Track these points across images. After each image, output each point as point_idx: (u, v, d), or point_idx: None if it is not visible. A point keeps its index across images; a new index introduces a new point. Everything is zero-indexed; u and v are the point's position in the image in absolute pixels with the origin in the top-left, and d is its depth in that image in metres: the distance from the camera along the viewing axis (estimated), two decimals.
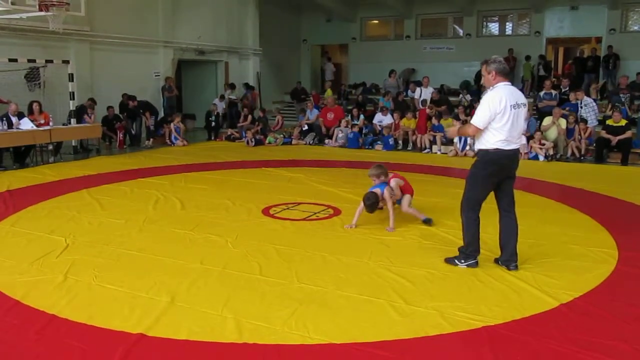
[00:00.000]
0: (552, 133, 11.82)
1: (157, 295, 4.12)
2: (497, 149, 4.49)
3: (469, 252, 4.72)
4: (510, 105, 4.44)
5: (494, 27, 20.24)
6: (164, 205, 7.16)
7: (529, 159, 11.51)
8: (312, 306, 3.94)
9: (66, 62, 11.89)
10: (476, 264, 4.71)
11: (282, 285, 4.34)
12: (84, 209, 6.90)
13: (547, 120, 12.04)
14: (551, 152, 11.52)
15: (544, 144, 11.58)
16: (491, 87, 4.57)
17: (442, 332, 3.56)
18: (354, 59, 21.87)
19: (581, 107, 12.31)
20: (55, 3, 10.16)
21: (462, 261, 4.74)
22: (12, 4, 9.73)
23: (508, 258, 4.70)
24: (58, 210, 6.82)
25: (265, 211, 6.79)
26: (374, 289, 4.26)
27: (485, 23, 20.10)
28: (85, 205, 7.13)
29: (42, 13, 10.15)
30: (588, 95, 13.37)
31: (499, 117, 4.42)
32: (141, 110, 13.80)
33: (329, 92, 18.11)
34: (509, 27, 19.85)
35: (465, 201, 4.72)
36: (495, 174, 4.58)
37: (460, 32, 20.16)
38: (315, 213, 6.68)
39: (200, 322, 3.68)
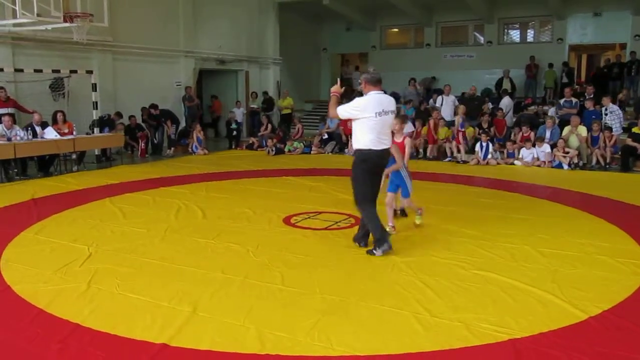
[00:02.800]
0: (574, 141, 11.65)
1: (179, 304, 4.11)
2: (369, 149, 5.15)
3: (378, 238, 5.25)
4: (376, 112, 5.10)
5: (515, 35, 20.07)
6: (185, 214, 7.18)
7: (552, 167, 11.36)
8: (335, 317, 3.89)
9: (89, 72, 12.07)
10: (389, 246, 5.23)
11: (304, 296, 4.30)
12: (106, 217, 6.96)
13: (566, 130, 11.88)
14: (575, 160, 11.35)
15: (567, 152, 11.41)
16: (365, 94, 5.26)
17: (467, 344, 3.49)
18: (374, 67, 21.82)
19: (605, 114, 12.11)
20: (79, 14, 10.33)
21: (377, 249, 5.23)
22: (38, 15, 9.90)
23: (359, 238, 5.53)
24: (81, 219, 6.88)
25: (287, 220, 6.77)
26: (397, 300, 4.20)
27: (506, 30, 19.94)
28: (107, 214, 7.19)
29: (67, 24, 10.32)
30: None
31: (365, 121, 5.11)
32: (163, 119, 13.94)
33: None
34: (530, 34, 19.67)
35: (359, 198, 5.32)
36: (370, 170, 5.24)
37: (481, 39, 20.03)
38: (337, 222, 6.65)
39: (222, 332, 3.66)
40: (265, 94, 17.90)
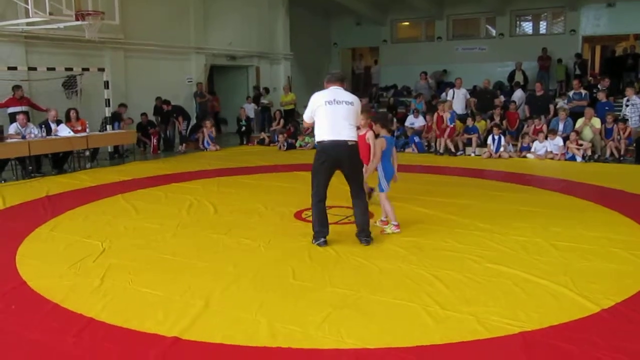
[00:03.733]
0: (588, 133, 11.54)
1: (191, 298, 4.15)
2: (324, 140, 5.24)
3: (316, 231, 5.42)
4: (326, 101, 5.23)
5: (527, 27, 19.87)
6: (197, 209, 7.23)
7: (566, 159, 11.27)
8: (346, 311, 3.91)
9: (102, 69, 12.16)
10: (324, 243, 5.36)
11: (316, 290, 4.32)
12: (119, 213, 7.03)
13: (579, 122, 11.77)
14: (589, 152, 11.25)
15: (581, 145, 11.31)
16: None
17: (478, 337, 3.49)
18: (385, 61, 21.77)
19: (627, 106, 11.95)
20: (91, 12, 10.39)
21: (314, 241, 5.40)
22: (50, 14, 9.98)
23: (359, 232, 5.47)
24: (95, 215, 6.95)
25: (298, 215, 6.79)
26: (408, 293, 4.20)
27: (518, 22, 19.76)
28: (120, 209, 7.25)
29: (79, 22, 10.39)
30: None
31: (318, 111, 5.27)
32: (174, 115, 13.99)
33: None
34: (543, 26, 19.47)
35: (313, 187, 5.43)
36: (325, 162, 5.27)
37: (493, 32, 19.87)
38: (347, 216, 6.64)
39: (234, 325, 3.69)
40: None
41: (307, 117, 5.46)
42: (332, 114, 5.22)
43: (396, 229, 5.87)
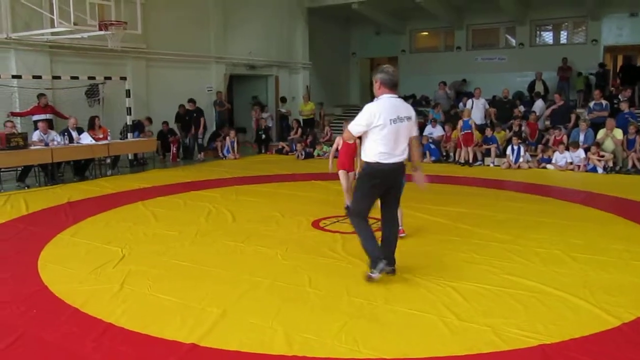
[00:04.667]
0: (609, 145, 11.41)
1: (208, 306, 4.18)
2: (377, 162, 4.50)
3: (372, 258, 4.64)
4: (390, 120, 4.44)
5: (547, 36, 19.72)
6: (215, 217, 7.29)
7: (587, 171, 11.15)
8: (362, 320, 3.91)
9: (123, 78, 12.36)
10: (387, 265, 4.63)
11: (332, 299, 4.33)
12: (139, 220, 7.11)
13: (601, 133, 11.63)
14: (610, 164, 11.11)
15: (603, 156, 11.18)
16: (376, 98, 4.59)
17: (495, 349, 3.46)
18: (404, 71, 21.67)
19: None
20: (113, 22, 10.58)
21: (372, 271, 4.62)
22: (74, 24, 10.18)
23: (388, 264, 4.66)
24: (115, 222, 7.05)
25: (315, 224, 6.81)
26: (424, 303, 4.19)
27: (538, 32, 19.62)
28: (140, 216, 7.34)
29: (102, 32, 10.59)
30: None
31: (377, 130, 4.43)
32: (195, 115, 14.08)
33: None
34: (563, 35, 19.30)
35: (353, 208, 4.85)
36: (376, 186, 4.60)
37: (513, 41, 19.76)
38: None
39: (250, 333, 3.71)
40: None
41: (357, 130, 4.56)
42: (394, 135, 4.45)
43: (401, 233, 5.85)
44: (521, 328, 3.72)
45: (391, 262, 4.71)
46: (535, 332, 3.67)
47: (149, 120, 13.12)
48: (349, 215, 4.94)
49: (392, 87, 4.54)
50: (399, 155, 4.53)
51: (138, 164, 12.56)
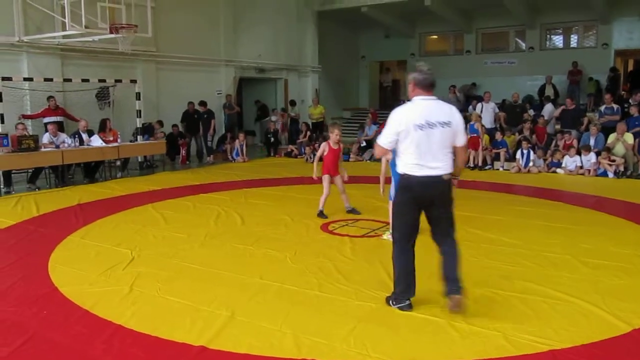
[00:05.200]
0: (620, 149, 11.33)
1: (217, 308, 4.19)
2: (406, 174, 3.96)
3: (397, 292, 4.13)
4: (416, 125, 3.83)
5: (558, 40, 19.65)
6: (225, 220, 7.30)
7: (597, 175, 11.08)
8: (371, 324, 3.90)
9: (134, 81, 12.43)
10: (409, 307, 4.08)
11: (341, 302, 4.32)
12: (148, 222, 7.14)
13: (612, 137, 11.56)
14: (621, 168, 11.04)
15: (614, 160, 11.10)
16: (409, 99, 4.04)
17: (505, 354, 3.44)
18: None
19: None
20: (124, 26, 10.67)
21: (393, 302, 4.14)
22: (86, 27, 10.27)
23: (451, 287, 3.99)
24: (124, 224, 7.08)
25: (324, 227, 6.81)
26: (434, 308, 4.16)
27: (548, 36, 19.55)
28: (150, 219, 7.37)
29: (112, 35, 10.67)
30: None
31: (402, 137, 3.89)
32: (206, 116, 14.16)
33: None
34: (574, 39, 19.24)
35: (395, 232, 4.20)
36: (411, 201, 3.99)
37: (523, 45, 19.70)
38: (374, 230, 6.65)
39: (259, 336, 3.71)
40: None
41: (386, 143, 3.99)
42: (425, 142, 3.85)
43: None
44: (531, 333, 3.70)
45: (453, 285, 3.97)
46: (545, 338, 3.64)
47: (160, 123, 13.19)
48: (392, 237, 4.30)
49: (428, 87, 3.96)
50: (434, 167, 3.88)
51: (148, 166, 12.62)
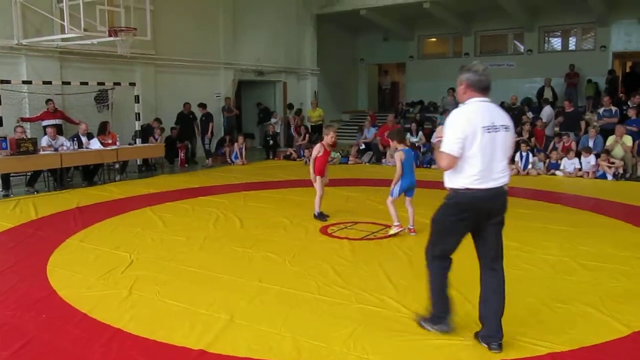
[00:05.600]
0: (619, 151, 11.34)
1: (216, 312, 4.18)
2: (467, 188, 3.40)
3: (436, 314, 3.75)
4: (483, 127, 3.35)
5: (556, 43, 19.67)
6: (223, 223, 7.30)
7: (596, 177, 11.09)
8: (371, 327, 3.89)
9: (132, 84, 12.43)
10: (448, 329, 3.71)
11: (340, 305, 4.32)
12: (147, 226, 7.13)
13: (610, 139, 11.57)
14: (620, 171, 11.04)
15: (613, 163, 11.11)
16: (462, 104, 3.55)
17: (505, 357, 3.44)
18: (411, 77, 21.76)
19: None
20: (123, 29, 10.65)
21: (431, 324, 3.77)
22: (84, 30, 10.26)
23: (489, 334, 3.50)
24: (123, 227, 7.07)
25: (323, 230, 6.80)
26: None
27: (547, 38, 19.58)
28: (148, 222, 7.36)
29: (111, 38, 10.66)
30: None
31: (467, 144, 3.34)
32: (204, 119, 14.18)
33: None
34: (572, 42, 19.26)
35: (429, 249, 3.73)
36: (466, 220, 3.49)
37: (521, 48, 19.72)
38: (373, 232, 6.64)
39: (259, 339, 3.70)
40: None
41: (455, 149, 3.34)
42: (490, 148, 3.37)
43: (397, 228, 6.39)
44: (531, 336, 3.70)
45: (492, 332, 3.50)
46: (544, 340, 3.64)
47: (158, 121, 13.14)
48: (426, 255, 3.77)
49: (483, 90, 3.49)
50: (498, 177, 3.44)
51: (148, 169, 12.61)
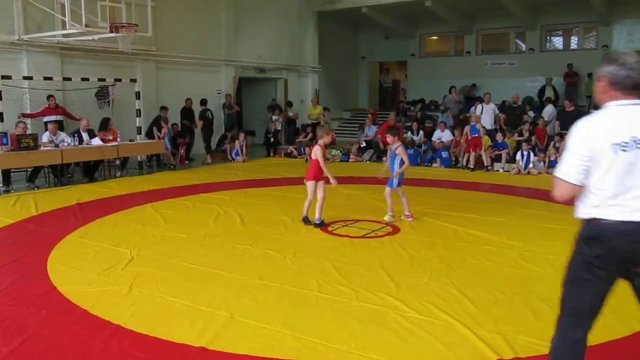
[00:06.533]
0: None
1: (217, 309, 4.17)
2: (595, 219, 2.53)
3: None
4: (615, 145, 2.41)
5: (558, 42, 19.64)
6: (224, 220, 7.29)
7: None
8: (372, 326, 3.88)
9: (133, 80, 12.40)
10: None
11: (341, 304, 4.30)
12: (148, 222, 7.12)
13: None
14: None
15: None
16: (600, 105, 2.61)
17: (506, 357, 3.43)
18: (413, 75, 21.74)
19: None
20: (124, 25, 10.64)
21: None
22: (86, 26, 10.24)
23: None
24: (124, 223, 7.06)
25: (324, 228, 6.79)
26: (435, 310, 4.15)
27: (548, 37, 19.54)
28: (149, 218, 7.35)
29: (113, 34, 10.65)
30: None
31: (593, 165, 2.46)
32: (207, 113, 14.22)
33: None
34: (574, 41, 19.23)
35: (561, 309, 2.75)
36: (598, 263, 2.56)
37: (523, 46, 19.69)
38: (374, 230, 6.63)
39: (259, 337, 3.70)
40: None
41: (574, 177, 2.49)
42: (628, 170, 2.42)
43: (391, 218, 7.01)
44: (532, 336, 3.68)
45: None
46: (547, 340, 3.59)
47: (165, 108, 13.12)
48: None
49: (631, 89, 2.49)
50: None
51: (158, 165, 12.61)
